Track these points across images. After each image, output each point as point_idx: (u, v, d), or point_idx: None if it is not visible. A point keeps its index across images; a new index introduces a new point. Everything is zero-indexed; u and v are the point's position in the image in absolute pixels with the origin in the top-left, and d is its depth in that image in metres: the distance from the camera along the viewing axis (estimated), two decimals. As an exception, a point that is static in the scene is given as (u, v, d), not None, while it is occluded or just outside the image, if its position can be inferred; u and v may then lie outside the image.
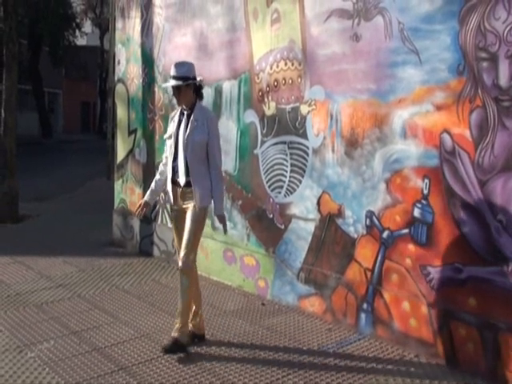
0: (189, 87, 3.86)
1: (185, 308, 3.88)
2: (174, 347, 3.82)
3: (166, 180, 4.03)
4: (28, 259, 6.17)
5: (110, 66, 12.28)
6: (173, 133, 3.96)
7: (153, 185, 4.14)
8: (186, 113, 3.93)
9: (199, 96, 3.97)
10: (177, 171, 3.91)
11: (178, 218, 4.01)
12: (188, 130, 3.86)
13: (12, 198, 8.41)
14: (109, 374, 3.52)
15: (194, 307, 4.01)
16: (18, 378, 3.45)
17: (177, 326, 3.90)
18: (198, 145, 3.83)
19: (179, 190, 3.92)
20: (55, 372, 3.53)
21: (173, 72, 3.89)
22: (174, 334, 3.88)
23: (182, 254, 3.83)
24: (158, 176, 4.14)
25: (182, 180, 3.89)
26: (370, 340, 4.09)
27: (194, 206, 3.84)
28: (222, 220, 3.97)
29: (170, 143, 3.99)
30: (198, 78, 3.94)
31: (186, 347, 3.87)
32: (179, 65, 3.93)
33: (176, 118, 3.99)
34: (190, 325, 4.01)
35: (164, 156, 4.11)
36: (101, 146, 17.32)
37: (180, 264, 3.83)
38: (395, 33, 3.91)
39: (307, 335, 4.21)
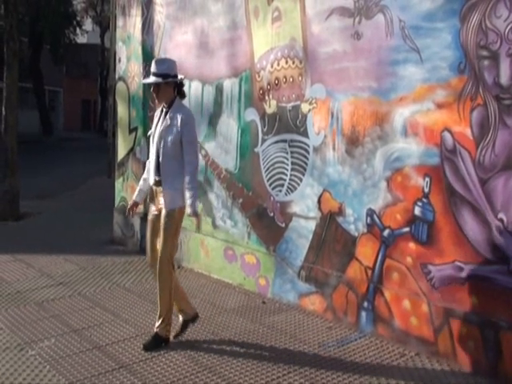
0: (168, 85, 3.82)
1: (165, 305, 3.89)
2: (154, 343, 3.87)
3: None
4: (29, 257, 6.17)
5: (111, 64, 12.27)
6: (152, 131, 3.96)
7: (141, 183, 4.13)
8: (164, 110, 3.89)
9: (180, 94, 3.93)
10: (155, 168, 3.88)
11: (154, 220, 3.95)
12: (162, 127, 3.83)
13: (13, 196, 8.42)
14: (109, 372, 3.52)
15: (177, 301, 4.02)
16: (19, 376, 3.45)
17: (159, 323, 3.92)
18: (170, 142, 3.78)
19: (154, 188, 3.93)
20: (56, 370, 3.54)
21: (153, 69, 3.84)
22: (156, 329, 3.93)
23: (159, 254, 3.84)
24: (145, 174, 4.12)
25: (151, 179, 3.90)
26: (371, 338, 4.09)
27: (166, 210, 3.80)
28: (195, 216, 3.86)
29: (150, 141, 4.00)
30: (180, 77, 3.90)
31: (167, 341, 3.93)
32: (159, 62, 3.89)
33: (157, 116, 3.97)
34: (181, 316, 4.06)
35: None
36: (101, 144, 17.32)
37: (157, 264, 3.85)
38: (396, 31, 3.90)
39: (308, 333, 4.21)
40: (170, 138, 3.79)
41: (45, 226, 7.93)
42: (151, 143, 3.97)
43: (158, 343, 3.89)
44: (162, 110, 3.93)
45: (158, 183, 3.86)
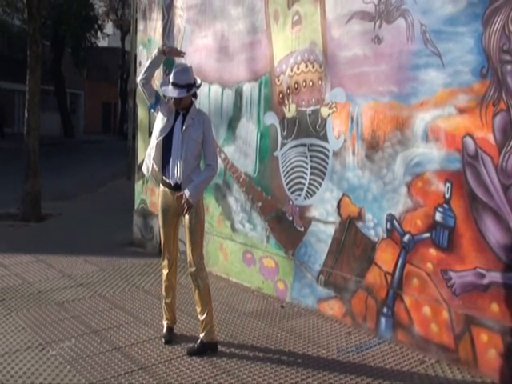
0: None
1: (209, 309, 3.90)
2: (199, 350, 3.86)
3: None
4: (50, 258, 6.25)
5: (131, 67, 12.42)
6: (162, 133, 3.83)
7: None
8: (181, 113, 3.85)
9: (194, 96, 3.94)
10: (169, 172, 3.84)
11: (173, 222, 3.99)
12: (184, 127, 3.80)
13: (35, 198, 8.54)
14: (129, 374, 3.55)
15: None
16: (40, 376, 3.50)
17: (205, 327, 3.90)
18: (194, 142, 3.79)
19: (172, 192, 3.87)
20: (76, 370, 3.58)
21: (175, 79, 3.74)
22: (202, 336, 3.91)
23: (192, 257, 3.88)
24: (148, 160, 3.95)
25: (173, 181, 3.83)
26: (390, 344, 4.07)
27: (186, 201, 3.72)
28: (189, 205, 3.72)
29: (157, 142, 3.84)
30: (198, 81, 3.89)
31: (216, 346, 3.92)
32: (180, 72, 3.77)
33: (170, 118, 3.86)
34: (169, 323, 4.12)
35: (147, 153, 3.94)
36: (121, 146, 17.50)
37: (193, 268, 3.88)
38: (417, 35, 3.88)
39: (326, 338, 4.20)
40: (194, 137, 3.79)
41: (66, 228, 8.03)
42: (156, 145, 3.83)
43: (204, 350, 3.86)
44: (177, 112, 3.86)
45: (177, 187, 3.83)
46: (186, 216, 3.85)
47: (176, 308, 4.25)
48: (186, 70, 3.84)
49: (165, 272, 4.11)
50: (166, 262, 4.10)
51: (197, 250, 3.90)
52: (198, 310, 3.93)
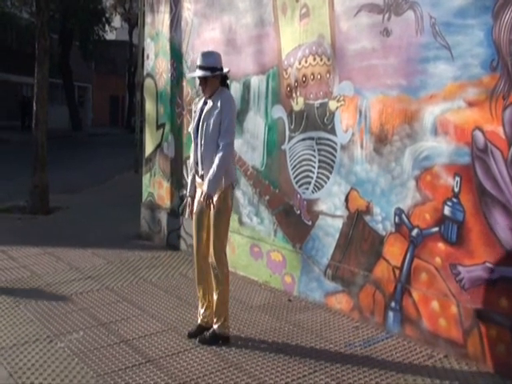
0: (215, 78, 3.81)
1: (226, 304, 3.92)
2: (211, 340, 3.89)
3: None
4: (58, 250, 6.28)
5: (139, 60, 12.40)
6: (192, 125, 3.94)
7: (190, 178, 4.09)
8: (208, 101, 3.86)
9: (225, 86, 3.92)
10: (196, 162, 3.88)
11: (200, 215, 3.92)
12: (204, 113, 3.81)
13: (43, 191, 8.57)
14: (136, 366, 3.56)
15: (208, 300, 4.03)
16: (48, 368, 3.52)
17: (216, 319, 3.92)
18: (212, 125, 3.75)
19: (200, 183, 3.89)
20: (84, 362, 3.60)
21: (200, 62, 3.82)
22: (215, 326, 3.93)
23: (211, 249, 3.86)
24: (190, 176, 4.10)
25: (199, 170, 3.86)
26: (398, 339, 4.05)
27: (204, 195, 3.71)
28: (208, 199, 3.68)
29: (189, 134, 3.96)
30: (225, 69, 3.90)
31: (227, 339, 3.93)
32: (206, 55, 3.88)
33: (198, 108, 3.94)
34: (200, 318, 4.06)
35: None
36: (129, 139, 17.52)
37: (212, 259, 3.86)
38: (426, 28, 3.84)
39: (334, 332, 4.19)
40: (211, 121, 3.76)
41: (73, 220, 8.07)
42: (193, 138, 3.92)
43: (215, 341, 3.88)
44: (205, 102, 3.89)
45: (202, 177, 3.83)
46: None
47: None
48: (211, 53, 3.95)
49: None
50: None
51: (214, 243, 3.85)
52: (214, 297, 3.93)
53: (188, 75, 3.90)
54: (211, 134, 3.77)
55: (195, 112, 4.00)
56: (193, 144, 3.96)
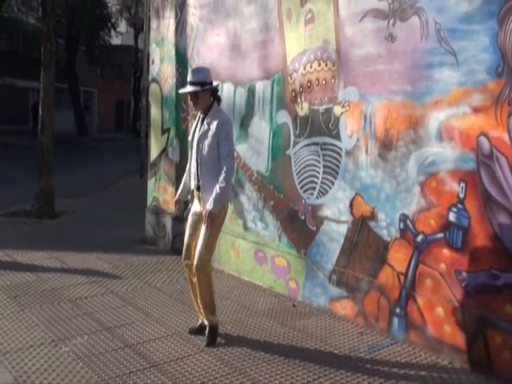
0: (205, 92, 3.93)
1: (207, 301, 4.02)
2: (213, 336, 4.02)
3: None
4: (63, 255, 6.30)
5: (144, 65, 12.46)
6: (190, 137, 4.11)
7: (183, 182, 4.30)
8: (201, 116, 4.02)
9: (217, 100, 4.03)
10: (195, 174, 4.01)
11: (194, 223, 4.06)
12: (200, 133, 3.95)
13: (48, 195, 8.60)
14: (140, 371, 3.56)
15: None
16: (53, 372, 3.52)
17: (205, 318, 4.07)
18: (208, 147, 3.89)
19: (194, 192, 4.06)
20: (88, 367, 3.60)
21: (190, 78, 3.97)
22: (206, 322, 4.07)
23: (196, 254, 3.93)
24: (185, 178, 4.27)
25: (193, 183, 4.03)
26: (403, 345, 4.04)
27: (206, 212, 3.84)
28: (210, 216, 3.81)
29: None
30: (215, 83, 4.01)
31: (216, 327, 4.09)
32: (196, 70, 4.04)
33: (195, 125, 4.10)
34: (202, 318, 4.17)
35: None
36: (134, 144, 17.58)
37: (194, 264, 3.94)
38: (431, 33, 3.84)
39: (338, 338, 4.18)
40: (207, 143, 3.90)
41: (79, 225, 8.09)
42: (190, 149, 4.10)
43: (214, 334, 4.04)
44: (199, 117, 4.05)
45: (198, 188, 3.99)
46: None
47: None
48: (201, 69, 4.15)
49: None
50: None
51: (201, 253, 3.92)
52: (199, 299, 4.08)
53: (180, 91, 4.13)
54: (207, 155, 3.92)
55: (194, 125, 4.12)
56: (190, 154, 4.11)
